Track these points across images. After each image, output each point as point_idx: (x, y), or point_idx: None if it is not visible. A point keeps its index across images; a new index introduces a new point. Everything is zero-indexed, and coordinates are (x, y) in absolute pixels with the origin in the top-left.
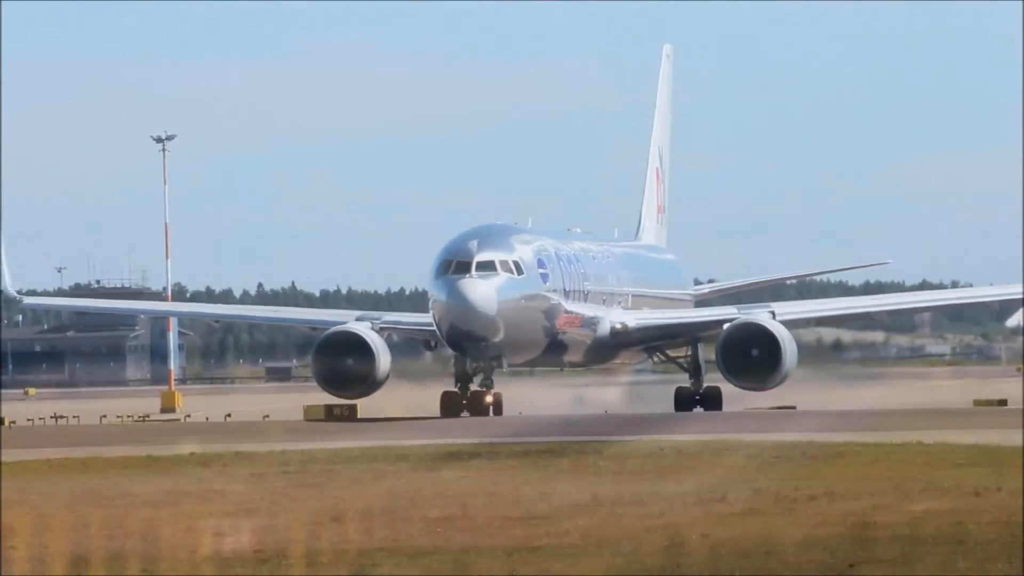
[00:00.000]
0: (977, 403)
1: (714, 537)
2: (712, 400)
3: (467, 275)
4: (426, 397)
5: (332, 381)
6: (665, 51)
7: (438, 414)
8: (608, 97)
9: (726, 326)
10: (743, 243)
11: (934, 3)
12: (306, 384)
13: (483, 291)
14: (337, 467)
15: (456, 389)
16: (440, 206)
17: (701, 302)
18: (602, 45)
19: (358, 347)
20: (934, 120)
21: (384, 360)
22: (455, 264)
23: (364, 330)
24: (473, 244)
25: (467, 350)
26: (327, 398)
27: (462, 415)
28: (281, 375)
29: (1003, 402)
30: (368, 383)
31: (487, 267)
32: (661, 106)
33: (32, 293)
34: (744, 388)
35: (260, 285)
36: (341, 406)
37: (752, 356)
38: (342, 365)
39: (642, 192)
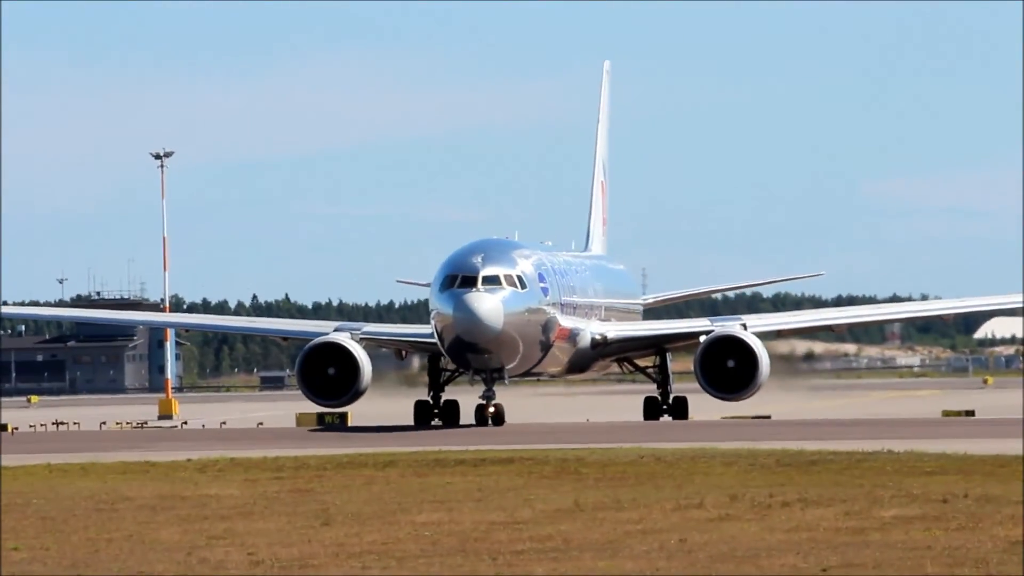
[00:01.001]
0: (946, 413)
1: (691, 542)
2: (679, 409)
3: (474, 289)
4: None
5: (316, 390)
6: (605, 67)
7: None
8: (562, 110)
9: (704, 338)
10: (686, 255)
11: (905, 3)
12: (299, 393)
13: (490, 305)
14: (328, 472)
15: (428, 398)
16: (424, 220)
17: (646, 312)
18: (554, 58)
19: (342, 357)
20: (904, 135)
21: (367, 370)
22: (460, 278)
23: (347, 341)
24: (478, 259)
25: (471, 362)
26: (318, 406)
27: (433, 423)
28: (275, 384)
29: (971, 413)
30: (352, 392)
31: (493, 281)
32: (603, 120)
33: (35, 303)
34: (721, 398)
35: (255, 297)
36: (333, 414)
37: (729, 367)
38: (326, 375)
39: (589, 204)
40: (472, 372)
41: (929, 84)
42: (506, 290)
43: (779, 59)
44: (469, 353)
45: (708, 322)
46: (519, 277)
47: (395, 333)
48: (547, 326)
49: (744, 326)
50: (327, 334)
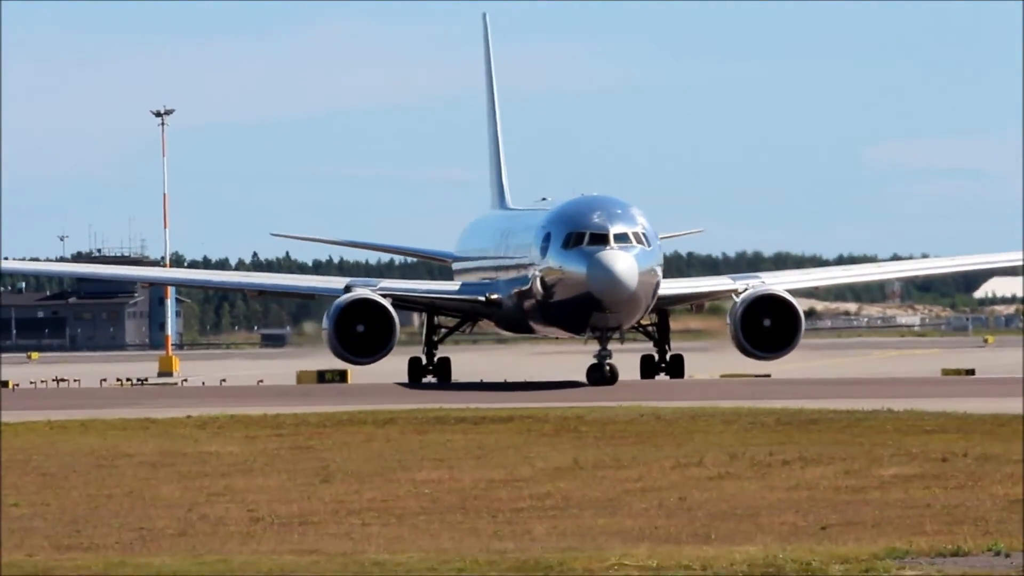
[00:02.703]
0: (946, 372)
1: (691, 500)
2: (675, 367)
3: (607, 247)
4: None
5: (351, 347)
6: (486, 20)
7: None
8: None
9: (742, 297)
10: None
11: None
12: (299, 350)
13: (627, 263)
14: (328, 430)
15: (422, 355)
16: (422, 180)
17: None
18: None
19: (378, 314)
20: (901, 99)
21: (397, 326)
22: (589, 236)
23: (379, 297)
24: (602, 216)
25: (593, 321)
26: (318, 364)
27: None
28: (276, 342)
29: (971, 372)
30: (387, 348)
31: (623, 239)
32: (493, 73)
33: (35, 260)
34: (760, 358)
35: (255, 255)
36: (332, 371)
37: (767, 326)
38: (362, 332)
39: (498, 159)
40: (589, 331)
41: (928, 45)
42: (636, 248)
43: (777, 23)
44: (595, 312)
45: (730, 280)
46: (644, 235)
47: (412, 289)
48: (656, 285)
49: (762, 283)
50: (338, 291)
